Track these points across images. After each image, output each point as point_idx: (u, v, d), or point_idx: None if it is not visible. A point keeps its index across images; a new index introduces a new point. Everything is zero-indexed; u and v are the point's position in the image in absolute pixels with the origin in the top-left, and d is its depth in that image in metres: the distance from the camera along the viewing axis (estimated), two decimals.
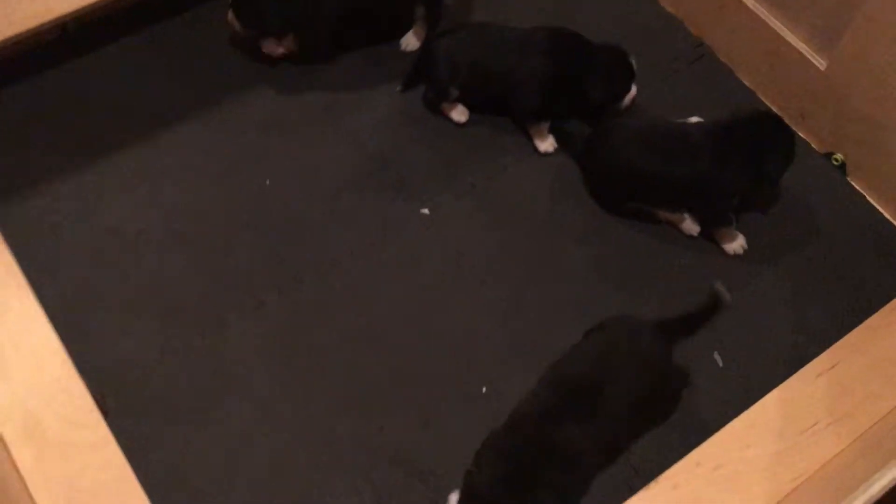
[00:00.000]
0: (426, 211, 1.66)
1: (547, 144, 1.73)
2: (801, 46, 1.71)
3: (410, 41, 1.84)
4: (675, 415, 1.45)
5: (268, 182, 1.69)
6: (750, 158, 1.57)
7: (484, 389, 1.49)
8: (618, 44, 1.73)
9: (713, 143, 1.56)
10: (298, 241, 1.62)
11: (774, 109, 1.80)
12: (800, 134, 1.78)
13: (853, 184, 1.74)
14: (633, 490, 1.32)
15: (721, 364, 1.52)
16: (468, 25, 1.79)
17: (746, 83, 1.85)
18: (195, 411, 1.44)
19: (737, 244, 1.63)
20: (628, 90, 1.73)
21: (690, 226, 1.64)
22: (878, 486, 1.05)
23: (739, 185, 1.60)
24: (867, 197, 1.72)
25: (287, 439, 1.43)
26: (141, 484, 1.26)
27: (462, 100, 1.75)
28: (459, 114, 1.75)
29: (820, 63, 1.69)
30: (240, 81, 1.79)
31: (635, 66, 1.72)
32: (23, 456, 1.23)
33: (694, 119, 1.70)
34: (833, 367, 1.37)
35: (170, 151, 1.70)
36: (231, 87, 1.79)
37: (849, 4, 1.57)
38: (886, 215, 1.70)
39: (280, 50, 1.78)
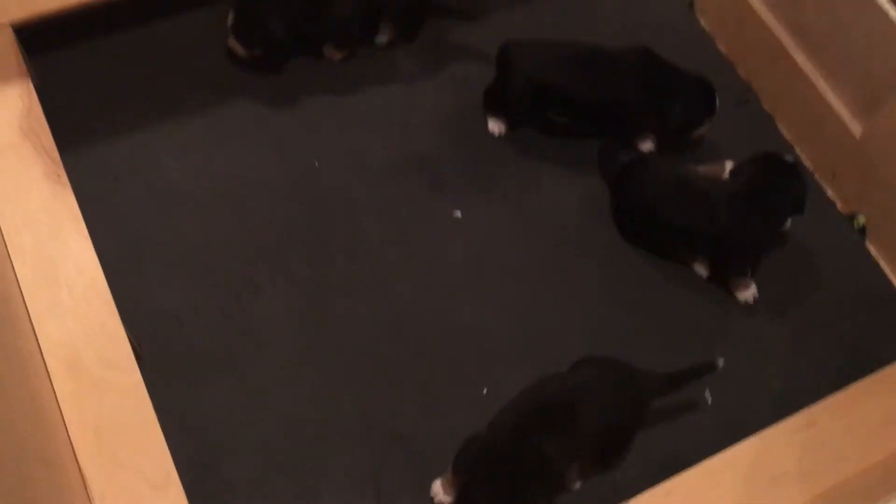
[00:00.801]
0: (458, 214, 1.76)
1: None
2: (842, 110, 1.76)
3: (380, 37, 1.89)
4: (659, 444, 1.55)
5: (317, 163, 1.79)
6: (770, 214, 1.64)
7: (485, 391, 1.60)
8: (705, 76, 1.80)
9: (734, 203, 1.63)
10: (334, 221, 1.73)
11: (808, 164, 1.86)
12: (827, 192, 1.85)
13: (870, 248, 1.80)
14: None
15: (710, 402, 1.62)
16: (551, 42, 1.82)
17: (785, 134, 1.91)
18: (220, 367, 1.57)
19: (749, 293, 1.70)
20: (702, 123, 1.79)
21: (700, 267, 1.72)
22: None
23: (759, 244, 1.68)
24: (881, 264, 1.78)
25: (299, 403, 1.56)
26: (161, 426, 1.39)
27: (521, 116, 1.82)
28: (497, 126, 1.83)
29: (857, 129, 1.74)
30: (305, 60, 1.89)
31: (717, 104, 1.78)
32: (62, 388, 1.37)
33: (728, 163, 1.77)
34: (812, 424, 1.46)
35: (228, 122, 1.80)
36: (296, 65, 1.88)
37: (892, 79, 1.62)
38: (893, 283, 1.76)
39: (241, 51, 1.79)
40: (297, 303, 1.64)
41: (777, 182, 1.66)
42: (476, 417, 1.52)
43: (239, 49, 1.78)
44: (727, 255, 1.69)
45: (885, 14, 1.60)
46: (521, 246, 1.74)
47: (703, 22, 2.05)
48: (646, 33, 1.98)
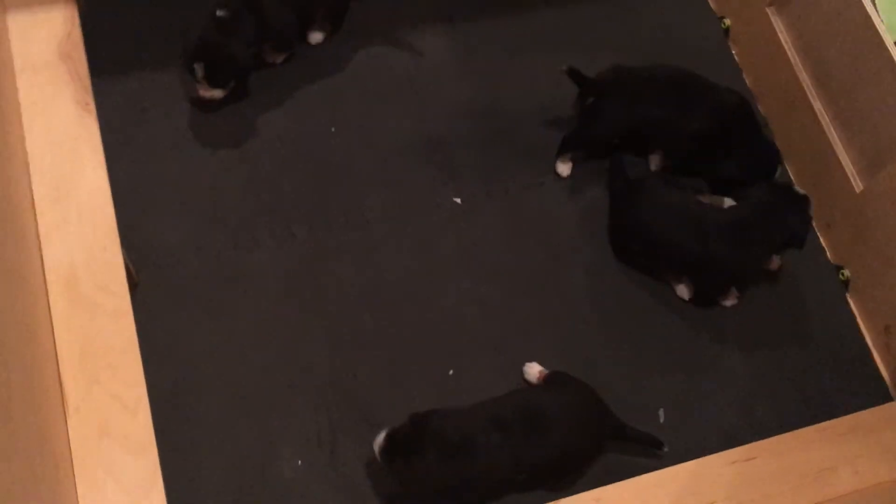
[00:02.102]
0: (458, 200, 1.83)
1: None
2: (848, 163, 1.79)
3: (314, 35, 1.92)
4: (603, 452, 1.62)
5: (332, 129, 1.86)
6: (764, 242, 1.69)
7: (451, 372, 1.68)
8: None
9: (726, 230, 1.68)
10: (339, 189, 1.81)
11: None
12: (820, 240, 1.88)
13: (850, 302, 1.84)
14: None
15: (662, 420, 1.68)
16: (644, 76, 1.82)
17: (791, 173, 1.94)
18: (207, 307, 1.67)
19: (732, 299, 1.77)
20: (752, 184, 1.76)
21: (683, 290, 1.78)
22: None
23: (743, 272, 1.73)
24: (857, 318, 1.82)
25: (274, 355, 1.65)
26: (142, 351, 1.49)
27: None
28: (566, 168, 1.87)
29: (859, 184, 1.77)
30: (343, 33, 1.94)
31: (777, 175, 1.79)
32: (57, 303, 1.47)
33: (727, 200, 1.81)
34: (749, 459, 1.52)
35: (255, 77, 1.87)
36: (332, 38, 1.94)
37: None
38: (867, 341, 1.80)
39: (213, 93, 1.79)
40: (289, 260, 1.73)
41: (783, 210, 1.69)
42: (437, 396, 1.62)
43: (217, 93, 1.77)
44: (711, 280, 1.74)
45: None
46: (512, 244, 1.80)
47: (734, 51, 2.08)
48: (679, 54, 2.01)
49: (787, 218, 1.69)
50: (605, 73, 1.82)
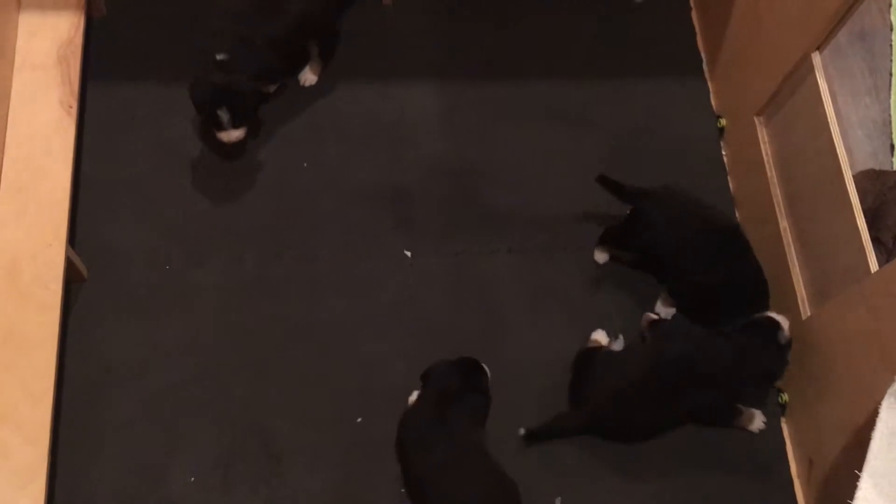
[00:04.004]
0: (408, 253, 1.87)
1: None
2: (800, 287, 1.76)
3: (308, 76, 1.98)
4: None
5: (305, 164, 1.93)
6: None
7: (359, 420, 1.72)
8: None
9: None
10: (297, 223, 1.87)
11: None
12: None
13: (784, 427, 1.80)
14: None
15: None
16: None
17: None
18: (143, 311, 1.75)
19: (758, 421, 1.77)
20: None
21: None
22: None
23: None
24: (786, 445, 1.78)
25: (194, 373, 1.72)
26: (70, 345, 1.59)
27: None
28: (603, 257, 1.89)
29: (806, 311, 1.74)
30: (333, 75, 2.01)
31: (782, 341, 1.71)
32: None
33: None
34: None
35: None
36: (322, 77, 2.01)
37: (842, 278, 1.61)
38: (791, 469, 1.76)
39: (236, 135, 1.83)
40: (232, 284, 1.80)
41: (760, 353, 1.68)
42: (344, 443, 1.66)
43: (240, 134, 1.82)
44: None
45: (852, 212, 1.59)
46: (451, 306, 1.83)
47: (725, 153, 2.06)
48: (669, 145, 2.02)
49: (762, 361, 1.69)
50: (654, 191, 1.81)
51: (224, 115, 1.77)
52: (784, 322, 1.69)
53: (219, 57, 1.77)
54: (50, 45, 1.80)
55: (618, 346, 1.80)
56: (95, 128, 1.87)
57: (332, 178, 1.93)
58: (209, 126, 1.81)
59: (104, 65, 1.92)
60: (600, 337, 1.79)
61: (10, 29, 1.76)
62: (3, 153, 1.69)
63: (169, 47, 1.99)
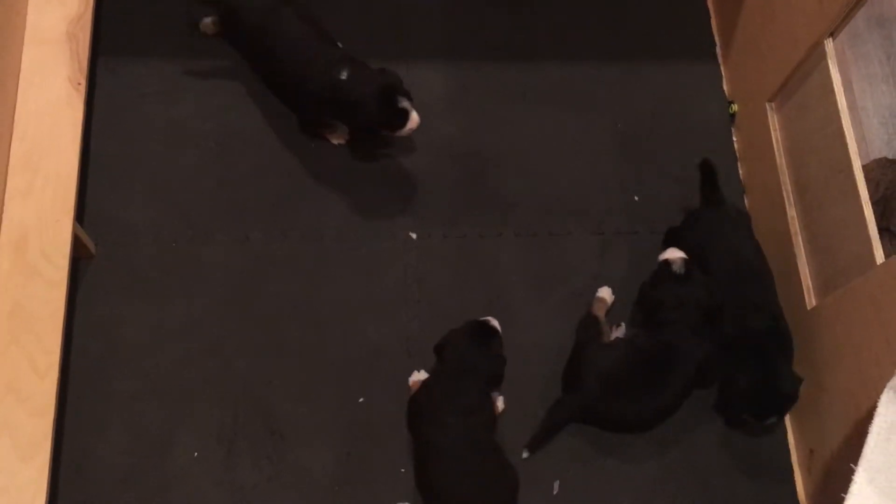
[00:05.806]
0: (414, 235, 1.87)
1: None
2: (806, 277, 1.75)
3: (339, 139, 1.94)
4: None
5: (313, 145, 1.93)
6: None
7: (361, 400, 1.73)
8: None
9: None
10: (304, 202, 1.87)
11: None
12: None
13: (788, 415, 1.79)
14: None
15: (555, 492, 1.69)
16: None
17: None
18: (150, 288, 1.77)
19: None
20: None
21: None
22: None
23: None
24: (788, 434, 1.78)
25: (198, 349, 1.74)
26: (77, 319, 1.61)
27: None
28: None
29: (811, 300, 1.73)
30: (347, 47, 1.99)
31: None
32: (2, 263, 1.59)
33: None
34: None
35: (256, 86, 1.95)
36: None
37: (848, 268, 1.60)
38: (792, 458, 1.75)
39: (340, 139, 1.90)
40: (237, 262, 1.81)
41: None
42: (346, 421, 1.67)
43: (346, 136, 1.90)
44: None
45: (860, 203, 1.57)
46: (456, 288, 1.83)
47: (736, 139, 2.04)
48: (680, 130, 2.00)
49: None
50: (729, 209, 1.81)
51: (406, 105, 1.75)
52: None
53: (342, 76, 1.76)
54: (59, 21, 1.80)
55: (620, 333, 1.80)
56: (104, 104, 1.88)
57: (339, 159, 1.93)
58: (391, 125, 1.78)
59: (113, 41, 1.92)
60: (605, 294, 1.79)
61: (19, 4, 1.76)
62: (11, 129, 1.69)
63: (178, 24, 1.98)
